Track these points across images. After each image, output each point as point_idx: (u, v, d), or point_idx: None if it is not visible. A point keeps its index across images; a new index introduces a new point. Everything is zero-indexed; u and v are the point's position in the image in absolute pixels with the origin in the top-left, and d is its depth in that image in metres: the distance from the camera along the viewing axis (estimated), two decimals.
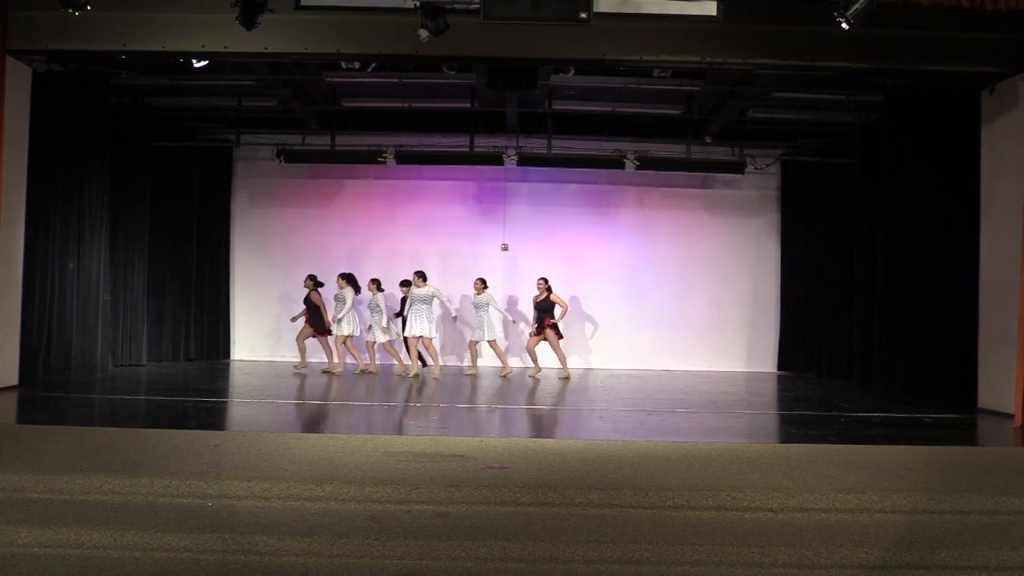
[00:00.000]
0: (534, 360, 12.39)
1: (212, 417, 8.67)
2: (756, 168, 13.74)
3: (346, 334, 12.10)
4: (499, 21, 7.58)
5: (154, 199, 12.91)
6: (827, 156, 13.37)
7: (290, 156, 13.18)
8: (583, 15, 7.37)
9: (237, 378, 11.86)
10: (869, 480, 5.67)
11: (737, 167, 13.42)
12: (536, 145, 13.42)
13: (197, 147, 13.81)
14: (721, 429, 8.32)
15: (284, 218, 14.19)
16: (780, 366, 14.04)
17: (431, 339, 11.99)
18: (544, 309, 12.17)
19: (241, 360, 13.86)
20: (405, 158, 13.20)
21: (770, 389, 11.94)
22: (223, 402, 9.69)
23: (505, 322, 13.19)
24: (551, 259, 14.01)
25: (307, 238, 14.10)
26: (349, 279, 12.21)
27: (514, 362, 13.34)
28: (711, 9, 7.84)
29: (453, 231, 14.15)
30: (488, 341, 12.24)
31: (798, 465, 6.11)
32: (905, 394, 10.36)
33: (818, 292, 13.39)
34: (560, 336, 12.22)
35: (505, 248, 14.11)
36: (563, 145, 13.27)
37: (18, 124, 9.35)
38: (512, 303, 13.97)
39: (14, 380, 9.63)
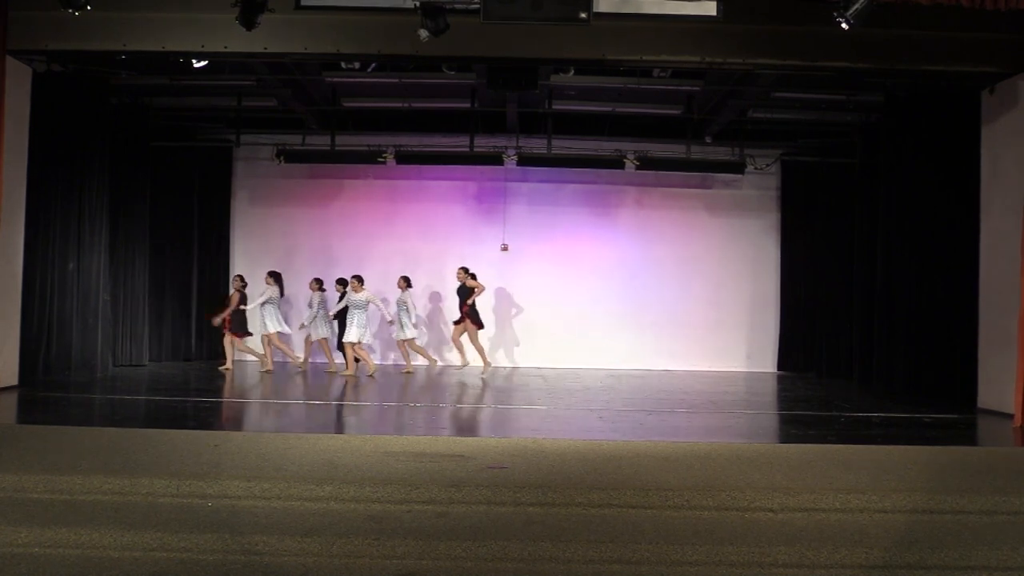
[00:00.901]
0: (460, 352, 12.53)
1: (212, 417, 8.68)
2: (756, 168, 13.74)
3: (271, 331, 12.14)
4: (499, 21, 7.57)
5: (154, 199, 12.92)
6: (827, 156, 13.36)
7: (290, 156, 13.19)
8: (583, 15, 7.37)
9: (237, 378, 11.85)
10: (869, 480, 5.67)
11: (737, 167, 13.42)
12: (536, 145, 13.42)
13: (197, 147, 13.81)
14: (721, 429, 8.32)
15: (284, 218, 14.19)
16: (780, 366, 14.04)
17: (359, 343, 11.87)
18: (463, 295, 12.29)
19: (241, 360, 13.83)
20: (405, 158, 13.21)
21: (770, 389, 11.93)
22: (223, 402, 9.69)
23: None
24: (551, 259, 14.04)
25: (307, 238, 14.12)
26: (277, 277, 12.29)
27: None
28: (711, 9, 7.83)
29: (453, 231, 14.16)
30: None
31: (798, 465, 6.11)
32: (905, 394, 10.36)
33: (818, 292, 13.38)
34: (479, 326, 12.29)
35: (505, 248, 14.11)
36: (563, 145, 13.28)
37: (18, 124, 9.35)
38: (509, 303, 14.03)
39: (14, 380, 9.63)
